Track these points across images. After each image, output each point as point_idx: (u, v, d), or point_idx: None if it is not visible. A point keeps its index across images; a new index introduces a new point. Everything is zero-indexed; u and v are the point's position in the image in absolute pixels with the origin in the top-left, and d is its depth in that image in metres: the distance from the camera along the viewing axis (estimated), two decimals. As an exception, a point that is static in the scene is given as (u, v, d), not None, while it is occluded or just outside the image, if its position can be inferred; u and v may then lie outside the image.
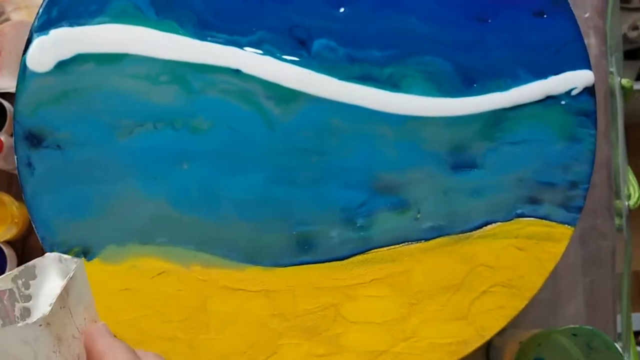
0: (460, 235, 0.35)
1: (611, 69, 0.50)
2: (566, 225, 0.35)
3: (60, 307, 0.17)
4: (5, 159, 0.44)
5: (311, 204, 0.35)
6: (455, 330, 0.34)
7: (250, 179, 0.35)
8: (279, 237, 0.35)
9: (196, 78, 0.35)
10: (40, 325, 0.16)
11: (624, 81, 0.50)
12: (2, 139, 0.43)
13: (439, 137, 0.35)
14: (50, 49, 0.35)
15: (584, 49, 0.36)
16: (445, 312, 0.34)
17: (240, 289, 0.34)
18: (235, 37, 0.35)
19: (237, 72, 0.35)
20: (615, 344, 0.36)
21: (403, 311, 0.34)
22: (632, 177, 0.49)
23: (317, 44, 0.36)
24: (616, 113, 0.49)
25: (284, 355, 0.34)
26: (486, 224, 0.35)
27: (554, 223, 0.35)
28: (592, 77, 0.36)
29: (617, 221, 0.48)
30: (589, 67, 0.36)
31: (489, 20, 0.36)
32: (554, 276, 0.38)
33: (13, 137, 0.36)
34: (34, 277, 0.20)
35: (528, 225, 0.35)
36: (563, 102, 0.36)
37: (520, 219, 0.35)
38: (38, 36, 0.35)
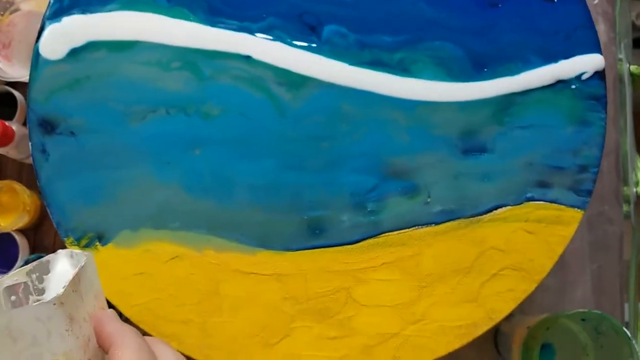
0: (471, 219, 0.35)
1: (620, 56, 0.50)
2: (576, 209, 0.35)
3: (73, 290, 0.18)
4: (16, 148, 0.45)
5: (322, 188, 0.35)
6: (465, 313, 0.35)
7: (262, 164, 0.35)
8: (291, 221, 0.35)
9: (207, 64, 0.35)
10: (54, 304, 0.17)
11: (633, 68, 0.49)
12: (14, 127, 0.44)
13: (449, 121, 0.36)
14: (63, 36, 0.36)
15: (594, 34, 0.36)
16: (455, 295, 0.35)
17: (252, 273, 0.35)
18: (245, 23, 0.36)
19: (247, 59, 0.36)
20: (624, 329, 0.37)
21: (413, 294, 0.35)
22: (640, 164, 0.49)
23: (327, 29, 0.36)
24: (625, 100, 0.49)
25: (296, 337, 0.34)
26: (496, 208, 0.35)
27: (563, 206, 0.35)
28: (602, 62, 0.36)
29: (624, 207, 0.48)
30: (599, 51, 0.36)
31: (500, 5, 0.36)
32: (562, 262, 0.38)
33: (27, 125, 0.36)
34: (47, 271, 0.21)
35: (538, 209, 0.35)
36: (573, 87, 0.36)
37: (530, 202, 0.35)
38: (50, 24, 0.36)
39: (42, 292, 0.21)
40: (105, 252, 0.35)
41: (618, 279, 0.47)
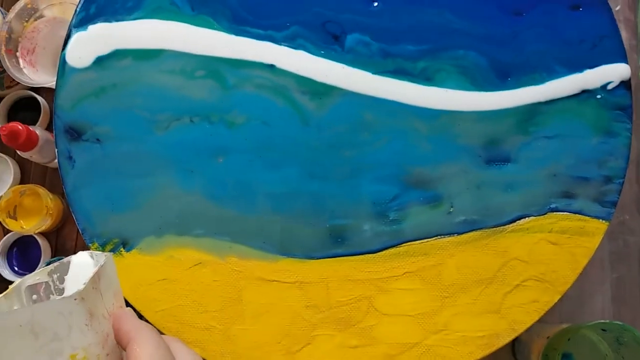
0: (494, 229, 0.35)
1: (641, 63, 0.49)
2: (600, 220, 0.35)
3: (93, 287, 0.18)
4: (40, 152, 0.45)
5: (344, 197, 0.35)
6: (488, 324, 0.34)
7: (285, 172, 0.35)
8: (313, 229, 0.35)
9: (231, 73, 0.36)
10: (75, 299, 0.17)
11: (655, 75, 0.49)
12: (38, 132, 0.45)
13: (472, 131, 0.35)
14: (89, 44, 0.36)
15: (620, 43, 0.36)
16: (478, 305, 0.35)
17: (275, 280, 0.35)
18: (269, 32, 0.36)
19: (271, 67, 0.36)
20: (647, 340, 0.36)
21: (435, 304, 0.35)
22: (662, 173, 0.48)
23: (351, 38, 0.36)
24: (646, 108, 0.48)
25: (318, 345, 0.35)
26: (519, 218, 0.35)
27: (587, 217, 0.35)
28: (628, 71, 0.35)
29: (646, 217, 0.48)
30: (625, 60, 0.35)
31: (524, 14, 0.36)
32: (582, 271, 0.38)
33: (53, 131, 0.37)
34: (67, 272, 0.22)
35: (561, 220, 0.35)
36: (599, 96, 0.35)
37: (554, 213, 0.35)
38: (76, 32, 0.36)
39: (62, 292, 0.22)
40: (130, 258, 0.35)
41: (638, 289, 0.46)
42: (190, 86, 0.36)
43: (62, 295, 0.21)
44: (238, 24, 0.36)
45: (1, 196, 0.45)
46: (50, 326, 0.17)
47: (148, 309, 0.35)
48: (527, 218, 0.35)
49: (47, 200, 0.46)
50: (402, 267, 0.35)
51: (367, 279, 0.35)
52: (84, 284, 0.18)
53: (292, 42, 0.36)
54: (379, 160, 0.36)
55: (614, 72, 0.35)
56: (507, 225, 0.35)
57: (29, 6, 0.47)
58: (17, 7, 0.46)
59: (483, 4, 0.36)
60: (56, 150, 0.36)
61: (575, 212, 0.35)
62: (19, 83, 0.48)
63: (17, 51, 0.47)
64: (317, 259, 0.35)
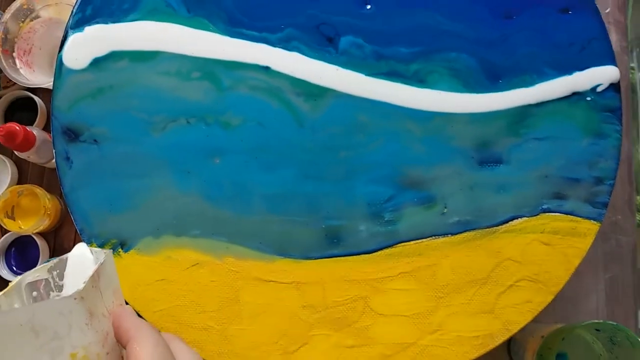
0: (487, 230, 0.36)
1: (632, 65, 0.50)
2: (592, 221, 0.35)
3: (92, 286, 0.18)
4: (37, 152, 0.45)
5: (339, 198, 0.36)
6: (482, 324, 0.35)
7: (280, 173, 0.36)
8: (309, 230, 0.35)
9: (226, 75, 0.36)
10: (75, 299, 0.17)
11: (646, 77, 0.49)
12: (35, 132, 0.45)
13: (465, 133, 0.36)
14: (85, 46, 0.36)
15: (609, 45, 0.36)
16: (472, 305, 0.35)
17: (271, 281, 0.35)
18: (264, 34, 0.36)
19: (266, 69, 0.36)
20: (639, 340, 0.37)
21: (430, 304, 0.35)
22: (653, 174, 0.49)
23: (344, 41, 0.36)
24: (637, 109, 0.49)
25: (314, 345, 0.35)
26: (512, 219, 0.36)
27: (579, 218, 0.35)
28: (617, 74, 0.36)
29: (637, 217, 0.48)
30: (614, 63, 0.36)
31: (514, 17, 0.36)
32: (575, 271, 0.38)
33: (51, 133, 0.37)
34: (66, 268, 0.22)
35: (553, 221, 0.36)
36: (588, 99, 0.36)
37: (546, 214, 0.36)
38: (73, 33, 0.36)
39: (62, 288, 0.22)
40: (128, 259, 0.35)
41: (631, 289, 0.47)
42: (186, 88, 0.36)
43: (62, 292, 0.22)
44: (233, 26, 0.36)
45: (-2, 197, 0.45)
46: (51, 325, 0.17)
47: (146, 309, 0.35)
48: (519, 219, 0.36)
49: (45, 200, 0.46)
50: (397, 267, 0.35)
51: (363, 279, 0.35)
52: (84, 283, 0.18)
53: (287, 44, 0.36)
54: (374, 162, 0.36)
55: (603, 75, 0.36)
56: (500, 226, 0.36)
57: (25, 7, 0.47)
58: (13, 7, 0.46)
59: (474, 7, 0.36)
60: (54, 151, 0.36)
61: (566, 213, 0.36)
62: (15, 83, 0.48)
63: (13, 52, 0.47)
64: (314, 259, 0.35)
